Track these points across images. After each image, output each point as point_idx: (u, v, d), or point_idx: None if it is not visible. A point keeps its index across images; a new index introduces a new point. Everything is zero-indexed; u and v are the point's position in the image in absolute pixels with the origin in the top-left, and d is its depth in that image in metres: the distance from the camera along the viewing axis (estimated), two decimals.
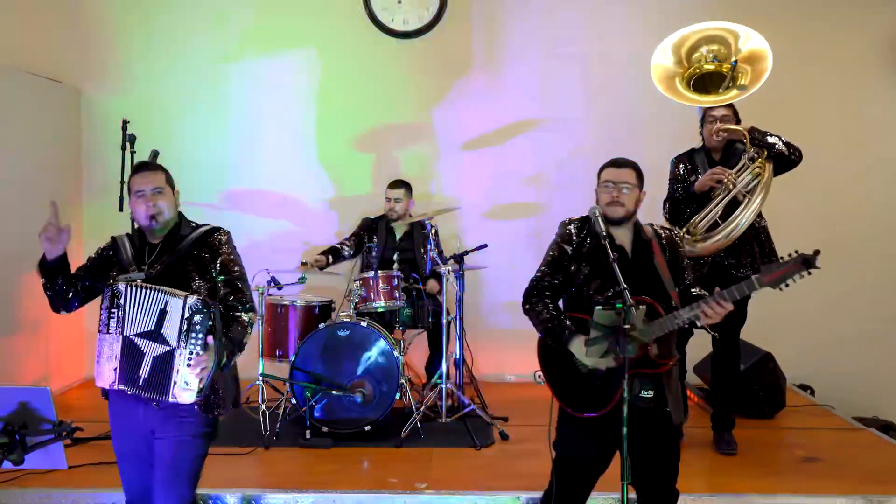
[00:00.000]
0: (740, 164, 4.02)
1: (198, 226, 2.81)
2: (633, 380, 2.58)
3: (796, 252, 2.64)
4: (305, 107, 5.78)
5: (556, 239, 2.95)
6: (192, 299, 2.56)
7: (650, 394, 2.66)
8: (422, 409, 4.45)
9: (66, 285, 2.72)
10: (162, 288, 2.59)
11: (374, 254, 4.68)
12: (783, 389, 4.91)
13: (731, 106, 4.13)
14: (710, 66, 4.09)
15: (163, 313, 2.57)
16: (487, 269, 5.32)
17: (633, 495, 2.76)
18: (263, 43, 5.74)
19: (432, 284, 4.90)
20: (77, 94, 5.71)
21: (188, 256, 2.73)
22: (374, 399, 4.31)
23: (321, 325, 4.43)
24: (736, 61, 4.01)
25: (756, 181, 3.97)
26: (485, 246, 4.80)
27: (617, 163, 2.91)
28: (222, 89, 5.76)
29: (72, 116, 5.68)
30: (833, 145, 5.55)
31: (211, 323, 2.54)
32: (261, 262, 4.33)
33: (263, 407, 4.40)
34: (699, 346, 4.36)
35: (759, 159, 3.98)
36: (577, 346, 2.73)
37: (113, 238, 2.83)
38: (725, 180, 3.98)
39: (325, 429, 4.28)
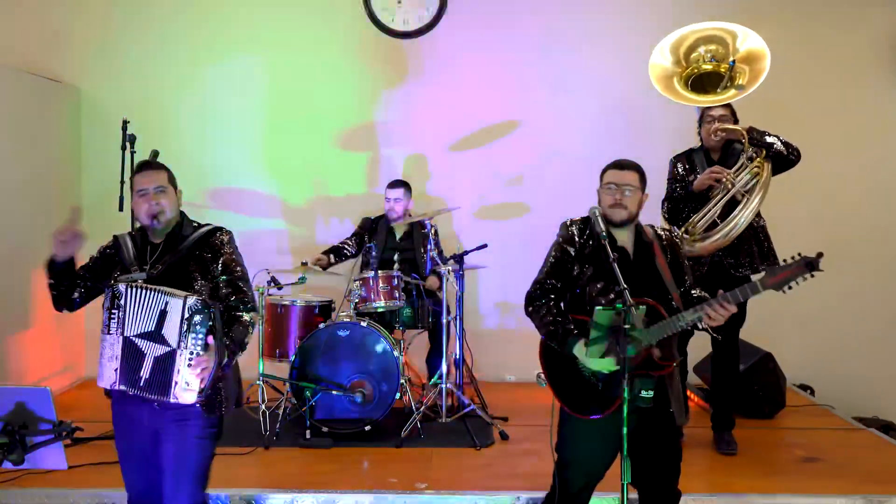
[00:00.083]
0: (739, 164, 4.02)
1: (200, 225, 2.81)
2: (634, 380, 2.57)
3: (799, 255, 2.63)
4: (306, 106, 5.77)
5: (557, 240, 2.91)
6: (191, 299, 2.55)
7: (650, 394, 2.65)
8: (422, 409, 4.45)
9: (70, 284, 2.73)
10: (162, 288, 2.59)
11: (373, 254, 4.68)
12: (783, 389, 4.91)
13: (729, 106, 4.13)
14: (708, 66, 4.10)
15: (163, 314, 2.57)
16: (485, 270, 5.30)
17: (633, 495, 2.75)
18: (264, 42, 5.74)
19: (432, 280, 4.90)
20: (77, 94, 5.71)
21: (190, 256, 2.73)
22: (374, 399, 4.32)
23: (321, 325, 4.43)
24: (734, 61, 4.02)
25: (754, 181, 3.96)
26: (485, 246, 4.79)
27: (620, 164, 2.86)
28: (223, 89, 5.74)
29: (72, 116, 5.67)
30: (832, 145, 5.53)
31: (211, 323, 2.54)
32: (261, 262, 4.35)
33: (263, 407, 4.39)
34: (699, 347, 4.36)
35: (758, 159, 3.98)
36: (580, 350, 2.70)
37: (115, 237, 2.83)
38: (724, 179, 3.98)
39: (325, 429, 4.28)
